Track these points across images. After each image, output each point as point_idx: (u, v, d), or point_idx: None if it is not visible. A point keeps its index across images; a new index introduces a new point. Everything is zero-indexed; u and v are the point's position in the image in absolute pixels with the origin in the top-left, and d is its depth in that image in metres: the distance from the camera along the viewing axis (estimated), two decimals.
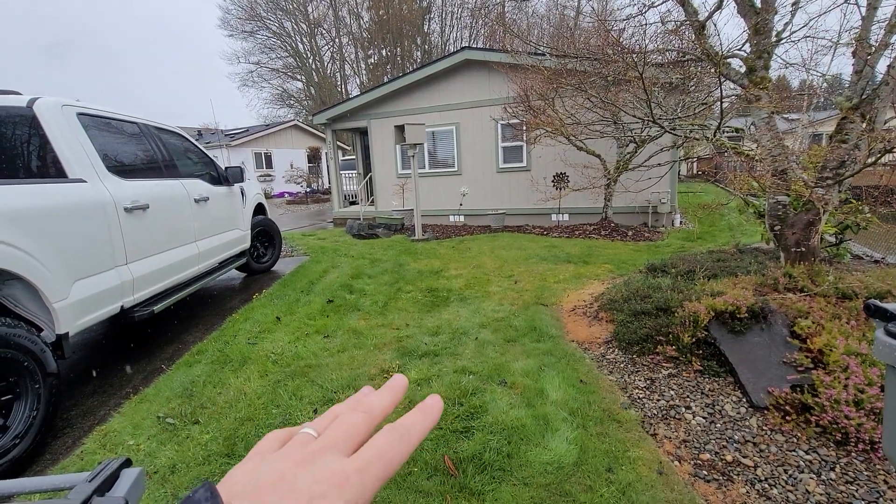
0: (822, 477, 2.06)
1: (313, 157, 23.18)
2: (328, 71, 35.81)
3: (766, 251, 5.63)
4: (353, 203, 15.06)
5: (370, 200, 13.04)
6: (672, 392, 2.77)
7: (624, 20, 5.48)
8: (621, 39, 5.32)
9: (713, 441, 2.35)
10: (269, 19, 31.85)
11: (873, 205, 4.64)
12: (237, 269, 6.05)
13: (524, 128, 9.75)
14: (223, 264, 5.28)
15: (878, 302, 1.17)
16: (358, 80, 36.30)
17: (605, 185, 9.16)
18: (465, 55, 10.46)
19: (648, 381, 2.92)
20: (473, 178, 11.04)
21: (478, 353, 3.51)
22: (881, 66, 3.53)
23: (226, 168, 5.54)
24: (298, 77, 34.99)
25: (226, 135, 24.03)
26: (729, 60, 3.98)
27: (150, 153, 4.12)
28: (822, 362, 2.59)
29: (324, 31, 34.32)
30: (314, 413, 2.75)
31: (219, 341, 3.96)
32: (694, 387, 2.80)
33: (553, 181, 9.84)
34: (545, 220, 10.50)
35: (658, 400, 2.72)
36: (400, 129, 8.48)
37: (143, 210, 3.64)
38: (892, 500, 1.93)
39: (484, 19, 32.95)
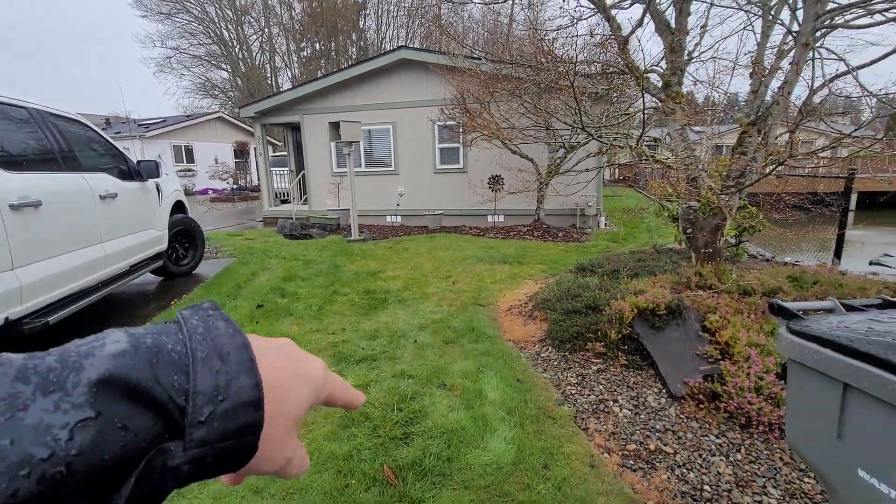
0: (730, 458, 2.28)
1: (241, 151, 21.85)
2: (257, 61, 33.96)
3: (679, 251, 6.15)
4: (284, 202, 14.38)
5: (303, 199, 12.52)
6: (601, 387, 2.92)
7: (555, 30, 5.72)
8: (553, 49, 5.54)
9: (638, 432, 2.51)
10: (190, 2, 29.54)
11: (767, 210, 5.24)
12: (153, 272, 5.52)
13: (461, 130, 9.88)
14: (136, 267, 4.79)
15: (780, 301, 1.30)
16: (290, 73, 34.82)
17: (538, 189, 9.52)
18: (403, 54, 10.39)
19: (580, 377, 3.06)
20: (411, 178, 10.99)
21: (417, 355, 3.48)
22: (775, 86, 3.99)
23: (138, 162, 5.04)
24: (223, 66, 32.82)
25: (139, 125, 21.92)
26: (648, 75, 4.29)
27: (43, 143, 3.62)
28: (729, 353, 2.87)
29: (252, 20, 32.51)
30: None
31: None
32: (620, 380, 2.97)
33: (489, 183, 10.06)
34: (481, 221, 10.71)
35: (589, 395, 2.85)
36: (335, 125, 8.22)
37: (34, 207, 3.20)
38: (786, 475, 2.17)
39: (421, 19, 33.01)
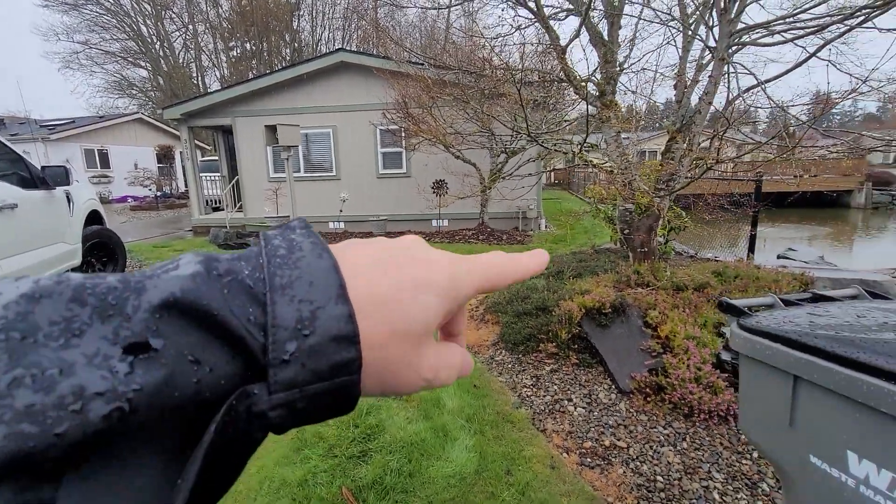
0: (678, 448, 2.40)
1: (164, 156, 20.25)
2: (180, 60, 31.72)
3: (616, 251, 6.50)
4: (216, 209, 13.49)
5: (238, 206, 11.82)
6: (555, 387, 2.98)
7: (494, 38, 5.84)
8: (493, 56, 5.65)
9: (593, 429, 2.58)
10: None
11: (694, 211, 5.67)
12: None
13: (403, 134, 9.82)
14: None
15: (729, 299, 1.38)
16: (218, 73, 32.87)
17: (482, 193, 9.68)
18: (341, 57, 10.15)
19: (534, 379, 3.11)
20: (353, 183, 10.74)
21: None
22: (697, 97, 4.32)
23: (43, 168, 4.49)
24: (142, 64, 30.30)
25: (42, 126, 19.64)
26: (585, 84, 4.49)
27: None
28: (670, 347, 3.04)
29: (174, 16, 30.34)
30: None
31: None
32: (573, 379, 3.06)
33: (433, 188, 10.07)
34: (426, 226, 10.69)
35: (544, 396, 2.90)
36: (272, 129, 7.83)
37: None
38: (727, 458, 2.32)
39: (358, 22, 32.57)
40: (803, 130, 4.49)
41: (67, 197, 4.82)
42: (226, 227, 10.06)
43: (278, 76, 10.42)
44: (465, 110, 7.89)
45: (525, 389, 3.00)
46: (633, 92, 4.84)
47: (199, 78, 32.38)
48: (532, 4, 4.07)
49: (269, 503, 2.03)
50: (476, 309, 4.53)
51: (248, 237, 9.12)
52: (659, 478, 2.20)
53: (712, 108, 4.12)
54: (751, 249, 5.64)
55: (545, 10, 4.10)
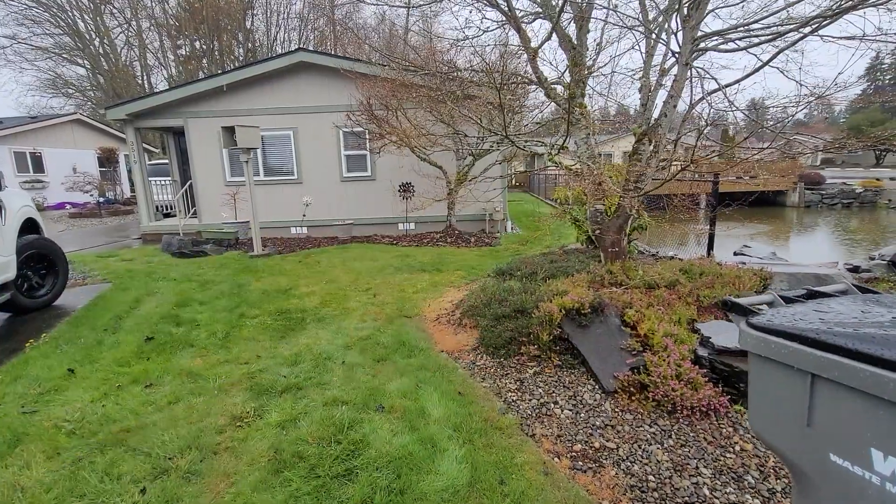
0: (665, 445, 2.42)
1: (107, 159, 18.90)
2: (123, 58, 29.85)
3: (583, 251, 6.61)
4: (168, 215, 12.72)
5: (192, 212, 11.19)
6: (540, 390, 2.96)
7: (462, 40, 5.81)
8: (466, 58, 5.62)
9: (581, 431, 2.56)
10: None
11: (657, 211, 5.85)
12: (0, 308, 4.46)
13: (368, 137, 9.63)
14: None
15: (732, 298, 1.38)
16: (165, 73, 31.20)
17: (448, 195, 9.63)
18: (301, 57, 9.85)
19: (518, 383, 3.07)
20: (316, 186, 10.42)
21: (347, 378, 3.22)
22: (661, 100, 4.46)
23: None
24: (79, 61, 28.25)
25: None
26: (555, 86, 4.54)
27: None
28: (649, 345, 3.09)
29: (115, 11, 28.51)
30: (141, 494, 2.11)
31: None
32: (557, 381, 3.04)
33: (399, 191, 9.94)
34: (393, 230, 10.53)
35: (530, 400, 2.86)
36: (229, 130, 7.46)
37: None
38: (712, 453, 2.36)
39: (314, 23, 31.85)
40: (745, 133, 4.74)
41: None
42: (179, 234, 9.49)
43: (235, 76, 9.97)
44: (432, 112, 7.83)
45: (510, 394, 2.96)
46: (601, 95, 4.94)
47: (145, 77, 30.60)
48: (504, 6, 4.07)
49: None
50: (452, 314, 4.46)
51: (204, 244, 8.64)
52: (650, 477, 2.20)
53: (677, 110, 4.25)
54: (710, 247, 5.89)
55: (516, 12, 4.10)
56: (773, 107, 4.05)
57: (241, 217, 9.87)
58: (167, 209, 13.18)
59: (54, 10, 26.05)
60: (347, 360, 3.51)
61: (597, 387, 2.95)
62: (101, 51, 28.24)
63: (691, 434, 2.51)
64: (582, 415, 2.70)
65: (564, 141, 4.21)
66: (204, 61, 30.81)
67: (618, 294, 3.75)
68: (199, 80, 10.41)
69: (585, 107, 4.55)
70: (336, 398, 2.91)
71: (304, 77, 10.10)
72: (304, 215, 10.13)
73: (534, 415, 2.73)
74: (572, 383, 3.02)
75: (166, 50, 30.89)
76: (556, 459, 2.35)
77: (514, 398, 2.91)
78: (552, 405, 2.80)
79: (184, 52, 31.27)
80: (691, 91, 4.23)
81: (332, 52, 10.09)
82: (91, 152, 19.69)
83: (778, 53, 3.88)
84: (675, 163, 3.85)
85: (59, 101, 28.87)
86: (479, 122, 6.12)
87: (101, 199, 17.09)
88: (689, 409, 2.62)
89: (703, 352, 2.98)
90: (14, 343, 4.01)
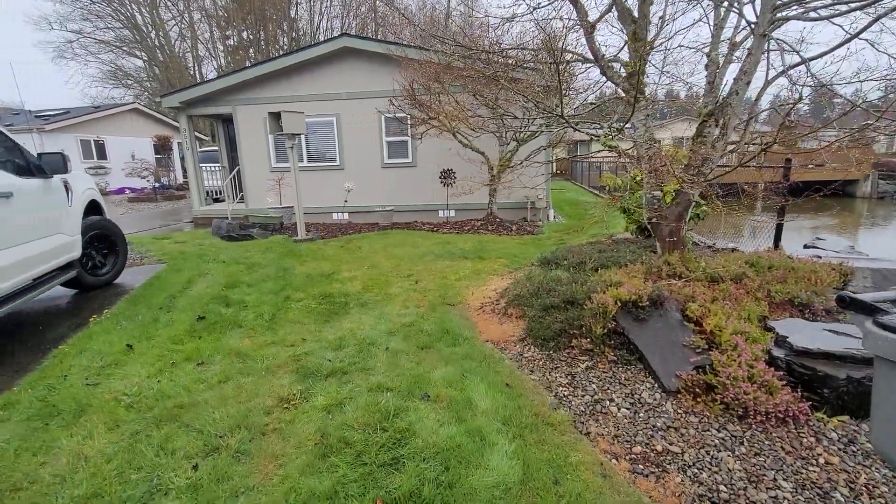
0: (736, 453, 2.21)
1: (162, 147, 19.87)
2: (177, 49, 31.14)
3: (634, 241, 6.28)
4: (217, 200, 13.23)
5: (239, 197, 11.56)
6: (594, 386, 2.79)
7: (509, 19, 5.56)
8: (514, 37, 5.38)
9: (640, 432, 2.39)
10: None
11: (717, 200, 5.44)
12: (66, 284, 4.71)
13: (410, 122, 9.55)
14: (41, 281, 4.04)
15: (851, 294, 1.17)
16: (215, 63, 32.32)
17: (490, 182, 9.43)
18: (344, 42, 9.84)
19: (569, 377, 2.91)
20: (358, 173, 10.48)
21: (391, 365, 3.16)
22: (730, 77, 4.08)
23: (39, 155, 4.26)
24: (137, 53, 29.74)
25: (37, 116, 19.25)
26: (612, 64, 4.25)
27: None
28: (716, 342, 2.85)
29: (169, 4, 29.70)
30: (194, 470, 2.13)
31: (39, 386, 2.95)
32: (611, 378, 2.86)
33: (440, 177, 9.83)
34: (433, 217, 10.46)
35: (583, 395, 2.71)
36: (276, 116, 7.57)
37: None
38: (792, 465, 2.13)
39: (356, 10, 31.97)
40: (837, 113, 4.27)
41: (66, 186, 4.59)
42: (227, 218, 9.82)
43: (280, 62, 10.12)
44: (477, 96, 7.62)
45: (561, 388, 2.81)
46: (664, 72, 4.59)
47: (196, 67, 31.83)
48: None
49: None
50: (497, 303, 4.33)
51: (251, 228, 8.89)
52: (722, 487, 2.01)
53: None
54: (777, 239, 5.43)
55: None
56: (871, 80, 3.59)
57: (286, 202, 10.09)
58: (216, 194, 13.70)
59: (115, 5, 27.45)
60: (391, 346, 3.46)
61: (656, 385, 2.75)
62: (156, 43, 29.59)
63: (766, 442, 2.28)
64: (641, 414, 2.52)
65: (627, 121, 3.93)
66: (251, 51, 31.67)
67: (678, 287, 3.49)
68: (246, 67, 10.65)
69: (645, 86, 4.23)
70: (381, 384, 2.86)
71: (347, 63, 10.11)
72: (345, 201, 10.23)
73: (587, 412, 2.57)
74: (629, 380, 2.83)
75: (216, 41, 31.96)
76: (613, 461, 2.20)
77: (566, 393, 2.76)
78: (607, 402, 2.63)
79: (232, 43, 32.25)
80: (767, 66, 3.84)
81: (377, 38, 10.04)
82: (148, 140, 20.75)
83: (874, 21, 3.43)
84: (750, 145, 3.51)
85: (120, 91, 30.58)
86: (526, 103, 5.88)
87: (157, 185, 18.01)
88: (764, 414, 2.38)
89: (778, 352, 2.70)
90: (80, 318, 4.23)
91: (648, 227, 4.58)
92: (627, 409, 2.57)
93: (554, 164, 29.39)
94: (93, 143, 19.25)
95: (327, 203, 10.56)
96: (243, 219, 10.11)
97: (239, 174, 11.22)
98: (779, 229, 5.47)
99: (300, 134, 8.12)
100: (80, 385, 2.93)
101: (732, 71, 4.16)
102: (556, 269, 4.91)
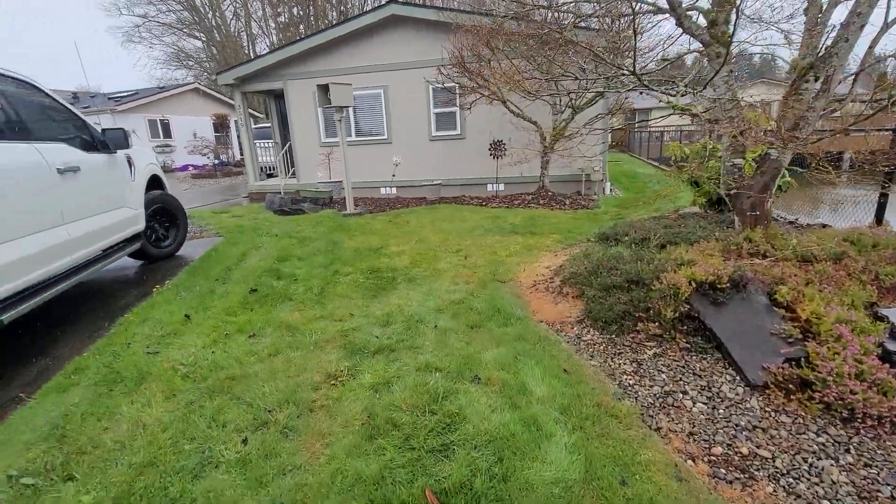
0: (841, 462, 1.89)
1: (220, 125, 20.70)
2: (232, 29, 32.01)
3: (703, 216, 5.73)
4: (271, 175, 13.62)
5: (291, 172, 11.81)
6: (663, 375, 2.51)
7: None
8: None
9: (720, 431, 2.11)
10: None
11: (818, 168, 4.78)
12: (132, 255, 4.95)
13: (458, 92, 9.19)
14: (109, 252, 4.24)
15: None
16: (267, 41, 32.94)
17: (542, 153, 8.97)
18: (392, 10, 9.53)
19: (635, 365, 2.65)
20: (405, 146, 10.33)
21: (440, 343, 3.03)
22: (837, 19, 3.45)
23: (103, 131, 4.40)
24: (196, 34, 30.89)
25: (110, 98, 20.59)
26: (691, 13, 3.73)
27: None
28: (812, 332, 2.46)
29: None
30: (243, 444, 2.11)
31: (106, 353, 3.08)
32: (684, 367, 2.57)
33: (490, 149, 9.47)
34: (482, 191, 10.17)
35: (651, 386, 2.44)
36: (324, 89, 7.50)
37: None
38: None
39: None
40: None
41: (129, 161, 4.75)
42: (280, 192, 10.04)
43: (328, 34, 10.01)
44: (530, 60, 7.15)
45: (625, 377, 2.55)
46: (752, 19, 3.98)
47: (250, 46, 32.61)
48: None
49: (343, 503, 1.75)
50: (551, 280, 4.07)
51: (302, 203, 9.03)
52: (824, 502, 1.72)
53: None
54: (880, 214, 4.71)
55: None
56: None
57: (335, 177, 10.16)
58: (270, 170, 14.10)
59: None
60: (440, 324, 3.33)
61: (738, 378, 2.43)
62: (213, 23, 30.52)
63: (879, 451, 1.93)
64: (720, 411, 2.23)
65: (715, 75, 3.45)
66: (301, 27, 31.93)
67: (763, 267, 3.07)
68: (295, 41, 10.64)
69: (730, 37, 3.69)
70: (429, 364, 2.74)
71: (394, 32, 9.84)
72: (393, 175, 10.15)
73: (657, 404, 2.31)
74: (704, 371, 2.52)
75: (268, 18, 32.48)
76: (690, 462, 1.95)
77: (631, 382, 2.50)
78: (680, 395, 2.36)
79: (283, 20, 32.64)
80: (888, 5, 3.20)
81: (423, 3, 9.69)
82: (207, 119, 21.65)
83: None
84: (864, 102, 2.96)
85: (182, 72, 32.04)
86: (586, 64, 5.40)
87: (217, 162, 18.84)
88: (875, 419, 2.03)
89: (894, 346, 2.29)
90: (145, 288, 4.43)
91: (726, 199, 4.09)
92: (704, 403, 2.29)
93: (609, 134, 27.88)
94: (159, 122, 20.37)
95: (375, 177, 10.53)
96: (295, 193, 10.31)
97: (290, 150, 11.41)
98: (882, 203, 4.75)
99: (348, 106, 8.04)
100: (141, 353, 3.03)
101: (839, 16, 3.53)
102: (617, 245, 4.54)
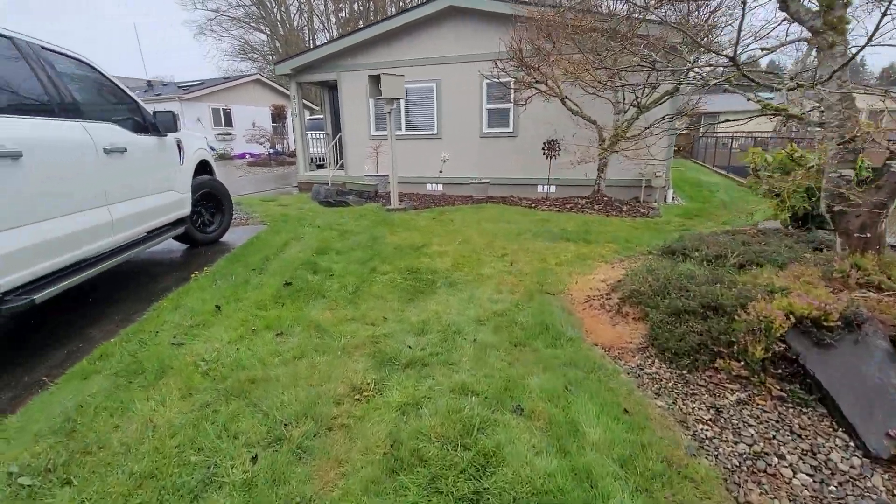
0: None
1: (278, 115, 21.33)
2: (295, 23, 33.01)
3: (786, 232, 5.04)
4: (320, 166, 13.77)
5: (339, 164, 11.84)
6: (751, 430, 2.05)
7: None
8: None
9: None
10: None
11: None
12: (177, 239, 4.97)
13: (514, 87, 8.77)
14: (153, 234, 4.23)
15: None
16: (327, 35, 33.72)
17: (600, 154, 8.37)
18: (450, 1, 9.24)
19: (713, 412, 2.19)
20: (454, 142, 10.03)
21: (478, 361, 2.70)
22: None
23: (154, 114, 4.39)
24: (262, 28, 32.11)
25: (179, 87, 21.75)
26: None
27: (28, 82, 2.97)
28: None
29: None
30: (252, 463, 1.88)
31: (133, 340, 2.99)
32: (778, 421, 2.09)
33: (543, 149, 8.98)
34: (531, 192, 9.70)
35: (735, 442, 1.99)
36: (375, 79, 7.34)
37: (11, 159, 2.57)
38: None
39: None
40: None
41: (178, 145, 4.75)
42: (327, 183, 10.05)
43: (384, 26, 9.88)
44: (593, 55, 6.62)
45: (701, 426, 2.11)
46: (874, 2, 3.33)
47: (311, 40, 33.50)
48: None
49: None
50: (607, 297, 3.62)
51: (347, 195, 8.96)
52: None
53: None
54: None
55: None
56: None
57: (382, 171, 10.02)
58: (320, 161, 14.27)
59: None
60: (479, 337, 2.99)
61: (852, 444, 1.93)
62: (278, 17, 31.58)
63: None
64: (831, 487, 1.75)
65: (837, 70, 2.88)
66: (360, 22, 32.44)
67: (882, 304, 2.50)
68: (350, 33, 10.61)
69: (848, 22, 3.08)
70: (465, 385, 2.41)
71: (450, 24, 9.55)
72: (440, 172, 9.88)
73: (744, 468, 1.86)
74: (806, 430, 2.03)
75: (329, 14, 33.21)
76: None
77: (709, 434, 2.06)
78: (775, 459, 1.89)
79: (344, 15, 33.27)
80: None
81: None
82: (266, 109, 22.39)
83: None
84: None
85: (246, 64, 33.42)
86: (681, 45, 4.86)
87: (272, 151, 19.42)
88: None
89: None
90: (185, 273, 4.40)
91: (826, 216, 3.47)
92: (808, 474, 1.82)
93: (674, 138, 26.27)
94: (221, 111, 21.27)
95: (422, 173, 10.31)
96: (342, 185, 10.29)
97: (340, 141, 11.42)
98: None
99: (399, 98, 7.84)
100: (166, 343, 2.91)
101: None
102: (685, 261, 4.02)
